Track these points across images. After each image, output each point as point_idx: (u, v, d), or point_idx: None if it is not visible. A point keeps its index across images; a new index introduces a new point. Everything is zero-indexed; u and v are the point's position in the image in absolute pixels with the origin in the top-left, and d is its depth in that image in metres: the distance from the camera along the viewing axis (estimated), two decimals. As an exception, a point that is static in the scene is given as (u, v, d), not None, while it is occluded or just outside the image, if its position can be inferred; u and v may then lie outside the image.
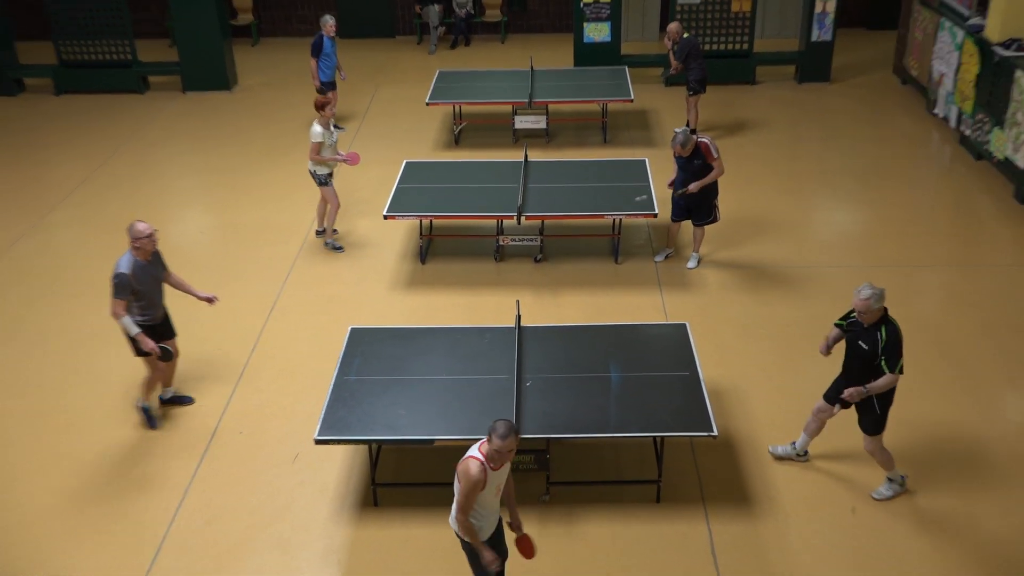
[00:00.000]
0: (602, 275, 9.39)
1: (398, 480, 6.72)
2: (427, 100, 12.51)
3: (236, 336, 8.41)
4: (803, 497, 6.53)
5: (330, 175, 9.68)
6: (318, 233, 10.22)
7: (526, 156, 10.50)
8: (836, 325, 6.33)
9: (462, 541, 5.13)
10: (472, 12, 17.19)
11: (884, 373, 5.90)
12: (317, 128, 9.36)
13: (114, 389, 7.82)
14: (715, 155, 8.84)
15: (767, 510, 6.43)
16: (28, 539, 6.34)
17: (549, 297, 9.01)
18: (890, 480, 6.49)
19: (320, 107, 9.42)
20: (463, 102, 12.59)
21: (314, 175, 9.64)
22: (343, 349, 7.10)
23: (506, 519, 5.33)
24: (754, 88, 14.55)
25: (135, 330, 6.76)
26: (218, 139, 13.08)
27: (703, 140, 8.89)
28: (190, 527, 6.42)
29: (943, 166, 11.84)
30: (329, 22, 12.45)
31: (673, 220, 9.40)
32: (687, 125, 12.05)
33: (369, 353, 7.03)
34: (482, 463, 4.83)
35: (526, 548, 5.34)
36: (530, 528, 6.27)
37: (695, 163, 8.89)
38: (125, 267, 6.67)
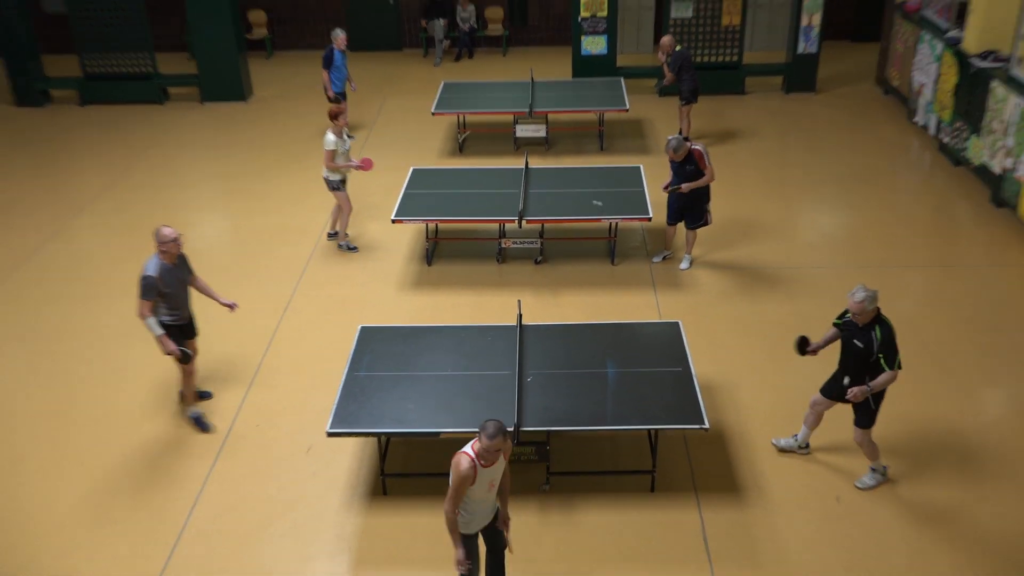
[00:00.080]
0: (599, 276, 9.40)
1: (406, 471, 6.74)
2: (433, 110, 12.52)
3: (252, 335, 8.43)
4: (790, 486, 6.54)
5: (343, 181, 9.70)
6: (330, 236, 10.24)
7: (527, 163, 10.51)
8: (834, 324, 6.33)
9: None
10: (475, 26, 17.20)
11: (879, 368, 5.92)
12: (331, 136, 9.37)
13: (136, 385, 7.84)
14: (707, 162, 8.87)
15: (756, 498, 6.44)
16: (55, 528, 6.37)
17: (549, 297, 9.02)
18: (873, 470, 6.51)
19: (334, 116, 9.43)
20: (467, 112, 12.60)
21: (328, 181, 9.66)
22: (353, 347, 7.11)
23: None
24: (743, 98, 14.55)
25: (158, 331, 6.76)
26: (234, 147, 13.09)
27: (696, 147, 8.91)
28: (209, 516, 6.44)
29: (923, 172, 11.84)
30: (340, 36, 12.46)
31: (668, 223, 9.41)
32: (679, 133, 12.05)
33: (378, 350, 7.04)
34: (472, 460, 4.84)
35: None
36: (531, 516, 6.32)
37: (687, 168, 8.92)
38: (152, 270, 6.67)
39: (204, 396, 7.59)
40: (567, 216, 9.36)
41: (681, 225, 9.38)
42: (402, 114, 14.21)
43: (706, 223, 9.27)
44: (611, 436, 6.99)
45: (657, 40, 15.96)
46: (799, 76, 14.55)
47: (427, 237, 9.85)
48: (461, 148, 12.75)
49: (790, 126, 13.39)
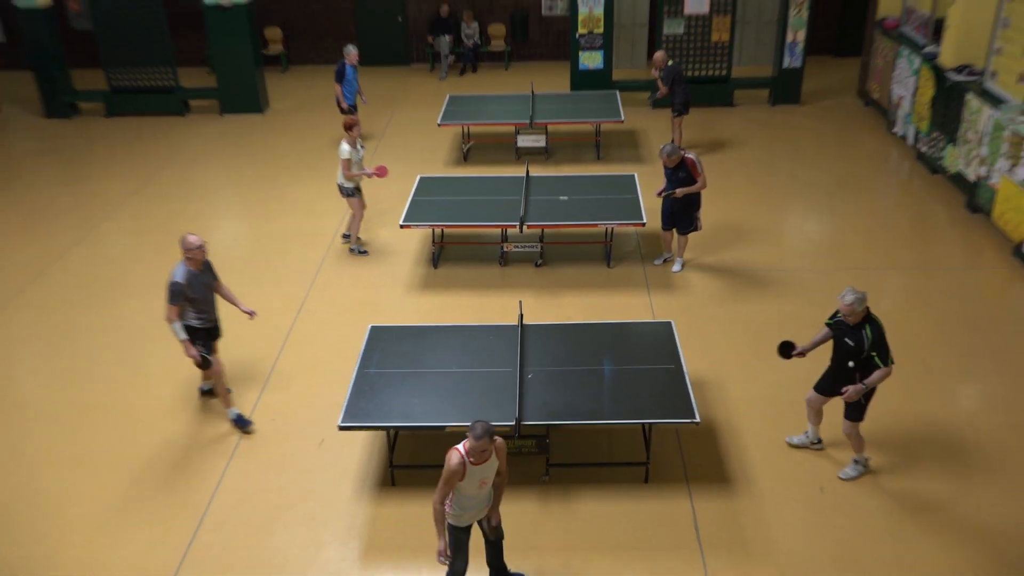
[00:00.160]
0: (596, 278, 9.38)
1: (414, 462, 6.71)
2: (439, 121, 12.52)
3: (268, 334, 8.41)
4: (777, 477, 6.52)
5: (357, 188, 9.69)
6: (344, 237, 10.22)
7: (527, 171, 10.50)
8: (826, 324, 6.30)
9: (451, 527, 5.12)
10: (479, 42, 17.20)
11: (872, 365, 5.91)
12: (345, 147, 9.37)
13: (158, 382, 7.83)
14: (699, 170, 8.87)
15: (744, 489, 6.42)
16: (81, 519, 6.36)
17: (548, 298, 9.00)
18: (856, 462, 6.49)
19: (348, 127, 9.43)
20: (471, 123, 12.60)
21: (341, 188, 9.65)
22: (364, 345, 7.10)
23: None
24: (732, 110, 14.53)
25: (182, 336, 6.74)
26: (251, 157, 13.09)
27: (689, 156, 8.91)
28: (227, 505, 6.43)
29: (902, 179, 11.82)
30: (352, 52, 12.46)
31: (664, 229, 9.40)
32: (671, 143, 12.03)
33: (387, 349, 7.03)
34: (462, 456, 4.83)
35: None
36: (532, 505, 6.31)
37: (680, 175, 8.92)
38: (179, 276, 6.64)
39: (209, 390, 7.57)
40: (566, 221, 9.34)
41: (675, 230, 9.37)
42: (410, 125, 14.21)
43: (696, 229, 9.26)
44: (607, 430, 6.97)
45: (650, 55, 16.01)
46: (785, 89, 14.54)
47: (433, 241, 9.84)
48: (466, 157, 12.74)
49: (776, 136, 13.38)
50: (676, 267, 9.45)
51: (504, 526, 5.99)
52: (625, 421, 6.23)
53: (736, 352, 8.02)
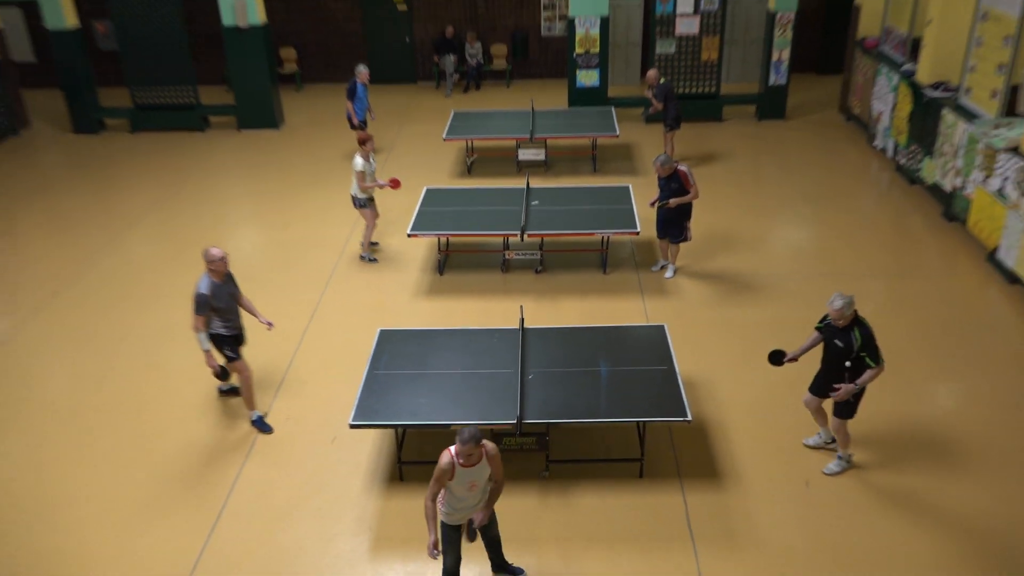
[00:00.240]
0: (593, 284, 9.37)
1: (421, 459, 6.69)
2: (444, 136, 12.52)
3: (283, 337, 8.40)
4: (764, 472, 6.50)
5: (370, 199, 9.70)
6: (372, 245, 10.23)
7: (528, 183, 10.50)
8: (816, 328, 6.27)
9: (443, 524, 5.09)
10: (482, 61, 17.22)
11: (863, 366, 5.89)
12: (359, 160, 9.38)
13: (180, 383, 7.82)
14: (692, 181, 8.88)
15: (733, 484, 6.41)
16: (109, 510, 6.35)
17: (548, 303, 8.99)
18: (840, 458, 6.47)
19: (362, 142, 9.43)
20: (475, 137, 12.59)
21: (355, 199, 9.66)
22: (373, 347, 7.09)
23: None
24: (721, 125, 14.53)
25: (206, 346, 6.72)
26: (267, 169, 13.10)
27: (681, 168, 8.91)
28: (244, 499, 6.42)
29: (882, 190, 11.81)
30: (363, 71, 12.48)
31: (659, 237, 9.40)
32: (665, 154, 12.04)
33: (395, 351, 7.02)
34: (452, 458, 4.82)
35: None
36: (532, 499, 6.29)
37: (672, 186, 8.92)
38: (204, 288, 6.62)
39: (235, 391, 7.56)
40: (564, 230, 9.34)
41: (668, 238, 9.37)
42: (417, 139, 14.21)
43: (685, 239, 9.25)
44: (604, 428, 6.95)
45: (644, 74, 16.03)
46: (770, 105, 14.54)
47: (439, 249, 9.84)
48: (469, 170, 12.74)
49: (763, 149, 13.37)
50: (668, 273, 9.44)
51: (506, 519, 5.99)
52: (621, 419, 6.21)
53: (726, 354, 8.00)
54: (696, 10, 13.95)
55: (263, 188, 12.39)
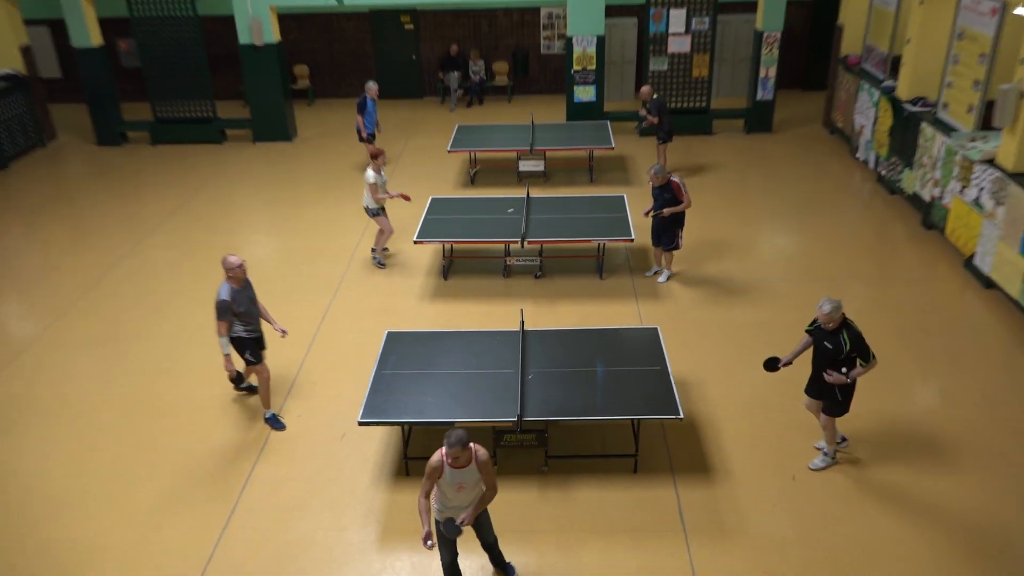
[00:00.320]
0: (589, 288, 9.36)
1: (426, 454, 6.60)
2: (448, 148, 12.53)
3: (295, 339, 8.38)
4: (753, 467, 6.48)
5: (382, 209, 9.74)
6: (384, 251, 10.23)
7: (528, 193, 10.50)
8: (806, 331, 6.25)
9: (437, 521, 5.05)
10: (484, 77, 17.24)
11: (852, 365, 5.88)
12: (371, 173, 9.43)
13: (197, 383, 7.81)
14: (684, 192, 8.88)
15: (723, 478, 6.39)
16: (129, 504, 6.34)
17: (547, 306, 8.98)
18: (825, 454, 6.45)
19: (374, 156, 9.48)
20: (477, 150, 12.60)
21: (368, 209, 9.70)
22: (381, 348, 7.08)
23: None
24: (711, 138, 14.54)
25: (226, 351, 6.70)
26: (281, 180, 13.11)
27: (674, 179, 8.92)
28: (258, 493, 6.41)
29: (864, 199, 11.80)
30: (373, 87, 12.50)
31: (654, 244, 9.39)
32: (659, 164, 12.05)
33: (402, 352, 7.01)
34: (442, 457, 4.80)
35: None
36: (532, 493, 6.28)
37: (665, 196, 8.93)
38: (224, 294, 6.60)
39: (256, 390, 7.56)
40: (562, 237, 9.33)
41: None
42: (423, 151, 14.22)
43: (676, 247, 9.24)
44: (600, 425, 6.94)
45: (638, 90, 16.04)
46: (758, 119, 14.54)
47: (444, 256, 9.84)
48: (473, 180, 12.74)
49: (751, 161, 13.37)
50: (662, 278, 9.43)
51: (507, 512, 5.99)
52: (616, 417, 6.20)
53: (716, 354, 7.99)
54: (687, 30, 13.97)
55: (276, 197, 12.39)
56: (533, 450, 6.45)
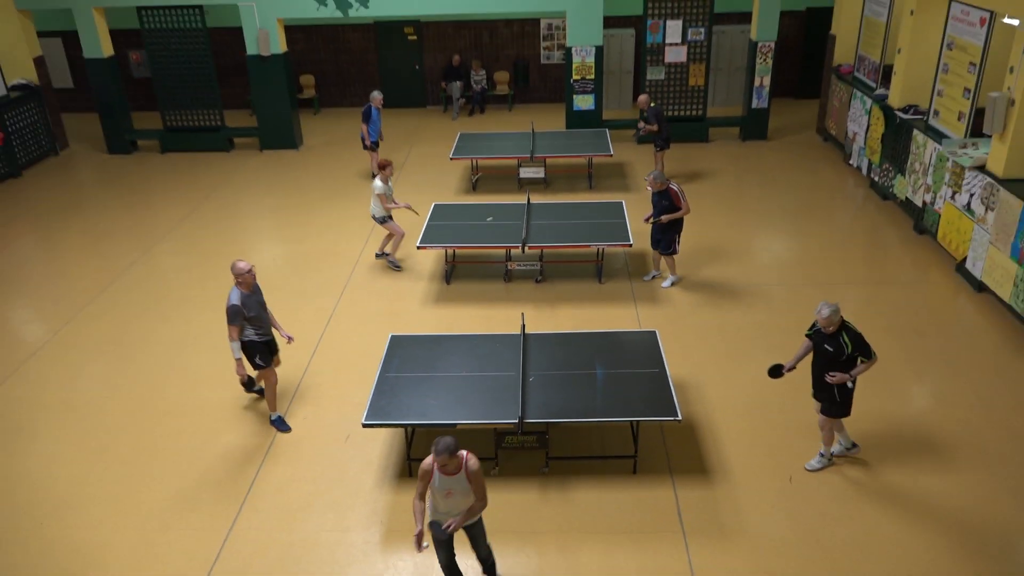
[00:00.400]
0: (589, 293, 9.31)
1: (428, 455, 6.64)
2: (451, 156, 12.50)
3: (300, 342, 8.33)
4: (750, 468, 6.42)
5: (389, 216, 9.75)
6: (377, 255, 10.20)
7: (528, 199, 10.46)
8: (807, 335, 6.18)
9: (430, 523, 5.00)
10: (486, 87, 17.21)
11: (854, 364, 5.84)
12: (379, 183, 9.53)
13: (204, 386, 7.76)
14: (682, 199, 8.84)
15: (721, 479, 6.33)
16: (134, 505, 6.29)
17: (547, 310, 8.93)
18: (821, 455, 6.39)
19: (383, 167, 9.58)
20: (479, 157, 12.56)
21: (375, 217, 9.72)
22: (385, 352, 7.04)
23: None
24: (707, 145, 14.49)
25: (238, 355, 6.65)
26: (287, 187, 13.07)
27: (673, 187, 8.87)
28: (263, 494, 6.35)
29: (857, 205, 11.75)
30: (378, 97, 12.48)
31: (653, 249, 9.35)
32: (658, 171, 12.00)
33: (405, 355, 6.96)
34: (432, 461, 4.74)
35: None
36: (533, 493, 6.22)
37: (663, 203, 8.89)
38: (235, 299, 6.56)
39: (263, 393, 7.50)
40: (562, 243, 9.29)
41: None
42: (426, 159, 14.19)
43: (674, 252, 9.18)
44: (600, 427, 6.88)
45: (636, 98, 16.00)
46: (753, 127, 14.50)
47: (446, 261, 9.79)
48: (474, 187, 12.70)
49: (747, 168, 13.33)
50: (666, 283, 9.36)
51: (508, 512, 5.93)
52: (615, 419, 6.14)
53: (713, 357, 7.93)
54: (684, 40, 13.94)
55: (283, 204, 12.36)
56: (534, 451, 6.40)
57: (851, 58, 13.70)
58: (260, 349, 6.80)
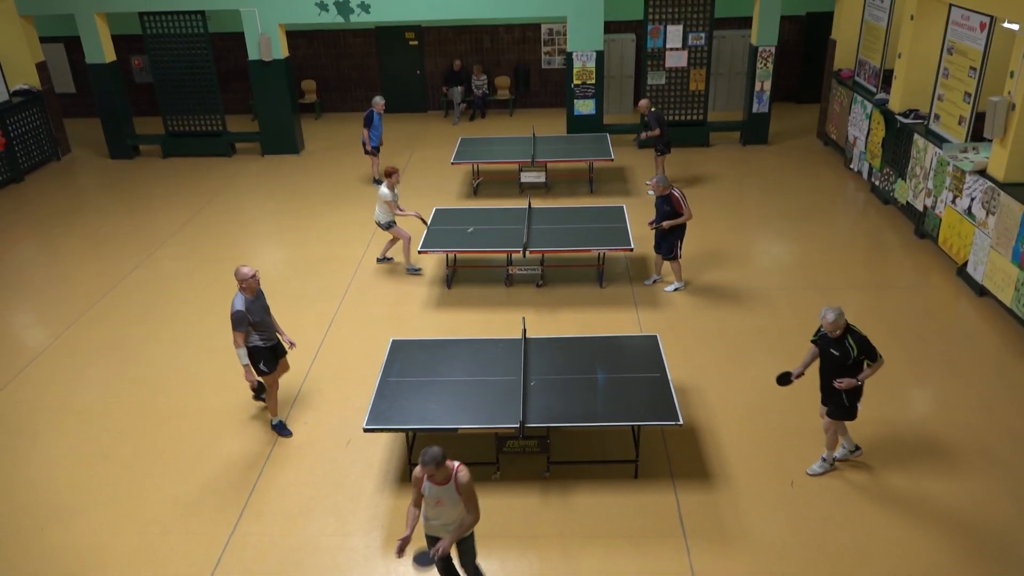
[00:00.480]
0: (590, 297, 9.31)
1: (429, 460, 6.62)
2: (452, 160, 12.51)
3: (301, 346, 8.32)
4: (752, 472, 6.41)
5: (393, 222, 9.80)
6: (379, 260, 10.23)
7: (529, 203, 10.47)
8: (812, 341, 6.16)
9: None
10: (487, 92, 17.24)
11: (860, 370, 5.84)
12: (385, 190, 9.58)
13: (205, 389, 7.76)
14: (684, 205, 8.85)
15: (723, 483, 6.32)
16: (137, 509, 6.28)
17: (548, 314, 8.93)
18: (823, 459, 6.37)
19: (389, 175, 9.62)
20: (480, 162, 12.57)
21: (379, 223, 9.74)
22: (386, 356, 7.03)
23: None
24: (708, 150, 14.51)
25: (245, 361, 6.64)
26: (288, 191, 13.09)
27: (674, 193, 8.88)
28: (265, 498, 6.34)
29: (858, 209, 11.75)
30: (380, 102, 12.52)
31: (656, 253, 9.35)
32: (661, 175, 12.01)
33: (406, 359, 6.96)
34: (422, 470, 4.73)
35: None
36: (534, 498, 6.21)
37: (665, 208, 8.90)
38: (239, 305, 6.54)
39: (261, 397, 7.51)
40: (563, 247, 9.29)
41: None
42: (427, 164, 14.20)
43: (675, 257, 9.18)
44: (601, 431, 6.88)
45: (636, 103, 16.02)
46: (754, 131, 14.51)
47: (447, 265, 9.79)
48: (475, 191, 12.71)
49: (747, 172, 13.33)
50: (670, 288, 9.35)
51: (509, 517, 5.92)
52: (617, 423, 6.14)
53: (714, 361, 7.92)
54: (684, 45, 13.97)
55: (284, 208, 12.37)
56: (535, 456, 6.39)
57: (851, 62, 13.72)
58: (265, 355, 6.79)
